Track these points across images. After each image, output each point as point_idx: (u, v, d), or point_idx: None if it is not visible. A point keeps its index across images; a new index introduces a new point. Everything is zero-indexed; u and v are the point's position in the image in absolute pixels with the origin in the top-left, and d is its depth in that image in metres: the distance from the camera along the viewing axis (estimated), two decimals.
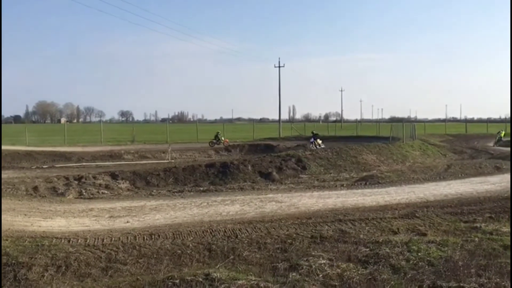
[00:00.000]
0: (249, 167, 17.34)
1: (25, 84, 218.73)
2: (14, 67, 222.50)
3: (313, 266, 6.16)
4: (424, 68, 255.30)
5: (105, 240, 7.44)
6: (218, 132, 31.37)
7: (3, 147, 27.03)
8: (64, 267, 6.56)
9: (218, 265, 6.55)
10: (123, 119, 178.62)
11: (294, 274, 5.99)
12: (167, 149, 26.04)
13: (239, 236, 7.72)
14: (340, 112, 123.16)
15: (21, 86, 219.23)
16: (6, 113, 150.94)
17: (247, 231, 7.93)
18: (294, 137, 39.57)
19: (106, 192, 14.43)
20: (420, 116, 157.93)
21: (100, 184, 15.33)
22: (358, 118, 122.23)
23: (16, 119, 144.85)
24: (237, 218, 9.24)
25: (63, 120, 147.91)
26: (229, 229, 8.01)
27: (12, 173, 18.35)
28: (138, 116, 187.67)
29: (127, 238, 7.57)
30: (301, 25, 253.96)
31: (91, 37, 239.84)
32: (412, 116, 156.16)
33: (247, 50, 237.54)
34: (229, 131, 45.06)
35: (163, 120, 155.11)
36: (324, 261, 6.38)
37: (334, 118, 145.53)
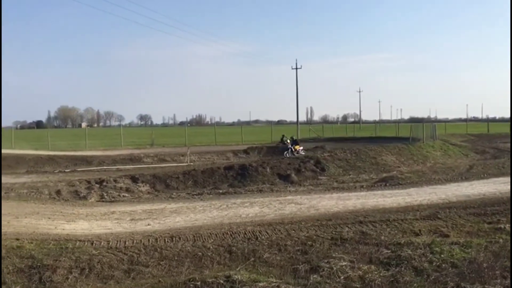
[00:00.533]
0: (268, 169, 17.35)
1: (46, 90, 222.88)
2: (36, 73, 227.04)
3: (334, 268, 6.13)
4: (443, 67, 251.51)
5: (127, 243, 7.53)
6: (292, 136, 31.03)
7: (25, 152, 27.63)
8: (87, 270, 6.67)
9: (238, 267, 6.57)
10: (142, 123, 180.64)
11: (315, 276, 5.97)
12: (186, 152, 26.20)
13: (259, 238, 7.74)
14: (358, 113, 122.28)
15: (43, 92, 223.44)
16: (28, 119, 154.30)
17: (267, 233, 7.94)
18: (312, 139, 39.43)
19: (126, 195, 14.61)
20: (440, 116, 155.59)
21: (121, 187, 15.53)
22: (377, 118, 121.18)
23: (39, 124, 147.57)
24: (257, 220, 9.25)
25: (83, 124, 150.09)
26: (249, 231, 8.03)
27: (36, 177, 18.72)
28: (157, 120, 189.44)
29: (149, 240, 7.65)
30: (318, 26, 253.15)
31: (110, 43, 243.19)
32: (432, 116, 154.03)
33: (264, 52, 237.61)
34: (247, 133, 45.15)
35: (181, 124, 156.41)
36: (345, 263, 6.35)
37: (353, 119, 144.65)
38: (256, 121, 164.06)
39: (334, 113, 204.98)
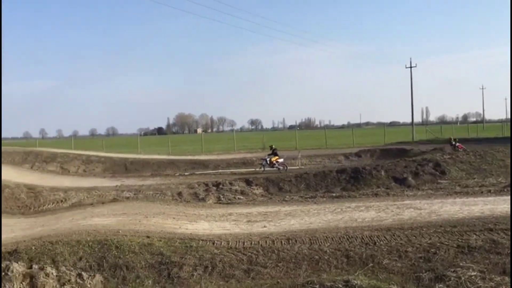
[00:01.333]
0: (382, 173, 16.76)
1: (166, 99, 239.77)
2: (157, 83, 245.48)
3: (462, 278, 5.74)
4: None
5: (245, 244, 7.78)
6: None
7: (149, 156, 30.00)
8: (210, 268, 7.03)
9: (357, 272, 6.45)
10: (252, 127, 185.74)
11: (440, 285, 5.66)
12: (296, 156, 26.42)
13: (377, 243, 7.51)
14: (481, 112, 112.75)
15: (163, 101, 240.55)
16: (150, 126, 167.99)
17: (386, 239, 7.67)
18: (429, 141, 37.12)
19: (241, 197, 15.13)
20: None
21: (236, 190, 16.12)
22: (503, 117, 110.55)
23: (159, 131, 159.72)
24: (374, 225, 8.96)
25: (199, 130, 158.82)
26: (366, 236, 7.83)
27: (159, 180, 20.21)
28: (267, 124, 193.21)
29: (266, 242, 7.82)
30: (432, 21, 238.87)
31: (221, 51, 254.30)
32: None
33: (374, 52, 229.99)
34: (357, 136, 44.14)
35: (291, 127, 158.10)
36: (475, 273, 5.91)
37: (474, 119, 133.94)
38: (367, 123, 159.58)
39: (453, 113, 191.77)
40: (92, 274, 7.05)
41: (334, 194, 14.38)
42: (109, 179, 22.27)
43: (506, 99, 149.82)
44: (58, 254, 7.43)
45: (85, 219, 10.36)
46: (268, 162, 21.78)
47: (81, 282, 6.92)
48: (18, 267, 7.11)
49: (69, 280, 6.95)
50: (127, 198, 15.05)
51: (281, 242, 7.80)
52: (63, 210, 13.53)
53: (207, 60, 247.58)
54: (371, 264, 6.80)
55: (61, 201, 15.41)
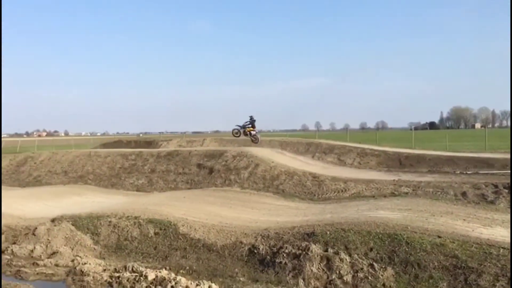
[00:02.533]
0: None
1: (439, 92, 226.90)
2: (428, 77, 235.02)
3: None
4: None
5: None
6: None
7: (424, 152, 28.86)
8: None
9: None
10: None
11: None
12: None
13: None
14: None
15: (436, 94, 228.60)
16: (421, 120, 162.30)
17: None
18: None
19: None
20: None
21: None
22: None
23: (431, 125, 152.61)
24: None
25: (477, 125, 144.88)
26: None
27: (438, 177, 19.20)
28: None
29: None
30: None
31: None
32: None
33: None
34: None
35: None
36: None
37: None
38: None
39: None
40: (384, 266, 7.19)
41: None
42: (385, 173, 22.41)
43: None
44: (350, 242, 7.86)
45: (370, 211, 10.67)
46: (242, 130, 21.65)
47: (373, 272, 7.15)
48: (316, 249, 7.86)
49: (361, 269, 7.27)
50: (406, 193, 14.82)
51: None
52: (345, 200, 14.33)
53: (490, 47, 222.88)
54: None
55: (341, 191, 16.33)
